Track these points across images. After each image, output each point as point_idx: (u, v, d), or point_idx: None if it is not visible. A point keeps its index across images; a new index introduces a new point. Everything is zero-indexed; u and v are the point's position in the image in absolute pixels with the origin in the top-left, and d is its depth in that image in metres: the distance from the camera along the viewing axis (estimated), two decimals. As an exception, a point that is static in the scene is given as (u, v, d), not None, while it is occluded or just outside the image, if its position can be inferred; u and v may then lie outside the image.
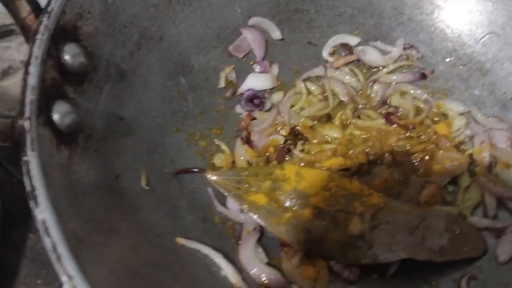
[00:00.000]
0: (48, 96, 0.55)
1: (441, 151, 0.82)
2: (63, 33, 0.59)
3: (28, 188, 0.47)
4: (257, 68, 0.90)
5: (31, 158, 0.49)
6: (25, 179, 0.48)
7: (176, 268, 0.62)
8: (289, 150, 0.82)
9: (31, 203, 0.46)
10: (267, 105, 0.88)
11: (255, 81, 0.88)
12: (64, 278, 0.42)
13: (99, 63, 0.66)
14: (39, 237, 0.98)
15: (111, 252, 0.52)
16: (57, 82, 0.58)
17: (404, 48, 0.92)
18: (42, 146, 0.51)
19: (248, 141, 0.83)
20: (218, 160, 0.80)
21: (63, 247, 0.44)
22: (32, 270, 0.95)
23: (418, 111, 0.87)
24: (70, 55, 0.60)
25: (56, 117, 0.55)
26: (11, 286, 0.92)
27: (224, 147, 0.82)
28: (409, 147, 0.83)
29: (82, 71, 0.62)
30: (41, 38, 0.56)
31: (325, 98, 0.89)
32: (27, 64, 0.54)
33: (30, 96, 0.52)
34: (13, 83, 1.03)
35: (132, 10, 0.72)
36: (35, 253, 0.96)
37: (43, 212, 0.46)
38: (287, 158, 0.82)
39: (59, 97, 0.57)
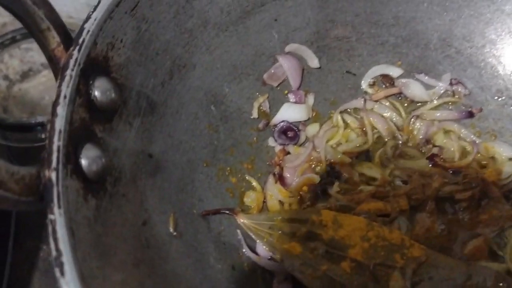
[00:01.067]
0: (76, 139, 0.49)
1: (489, 199, 0.76)
2: (93, 67, 0.54)
3: (53, 252, 0.42)
4: (292, 98, 0.84)
5: (58, 217, 0.43)
6: (51, 241, 0.42)
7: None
8: (324, 190, 0.77)
9: (56, 271, 0.41)
10: (302, 138, 0.82)
11: (290, 112, 0.83)
12: None
13: (130, 95, 0.61)
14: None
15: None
16: (86, 122, 0.52)
17: (451, 84, 0.85)
18: (68, 200, 0.45)
19: (280, 178, 0.77)
20: (249, 198, 0.75)
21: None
22: (45, 282, 0.91)
23: (464, 153, 0.81)
24: (100, 90, 0.54)
25: (84, 163, 0.50)
26: (23, 300, 0.88)
27: (255, 183, 0.77)
28: (454, 194, 0.77)
29: (112, 107, 0.57)
30: (71, 74, 0.51)
31: (364, 133, 0.84)
32: (54, 104, 0.49)
33: (57, 142, 0.47)
34: (33, 86, 1.01)
35: (165, 37, 0.67)
36: (47, 265, 0.93)
37: (69, 284, 0.40)
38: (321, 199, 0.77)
39: (88, 139, 0.51)
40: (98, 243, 0.48)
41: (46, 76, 0.99)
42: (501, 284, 0.69)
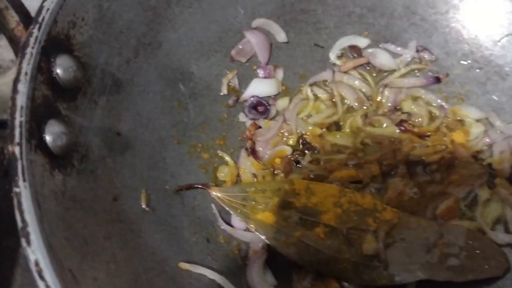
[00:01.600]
0: (39, 116, 0.50)
1: (458, 161, 0.78)
2: (55, 45, 0.54)
3: (19, 224, 0.42)
4: (261, 73, 0.85)
5: (23, 190, 0.44)
6: (16, 213, 0.43)
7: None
8: (297, 162, 0.78)
9: (23, 241, 0.42)
10: (272, 112, 0.83)
11: (259, 87, 0.83)
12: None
13: (94, 74, 0.61)
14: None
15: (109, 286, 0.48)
16: (48, 99, 0.53)
17: (417, 51, 0.86)
18: (34, 174, 0.46)
19: (253, 152, 0.78)
20: (222, 173, 0.76)
21: (58, 292, 0.39)
22: (27, 279, 0.91)
23: (432, 117, 0.82)
24: (62, 68, 0.55)
25: (48, 138, 0.50)
26: (5, 297, 0.88)
27: (228, 158, 0.77)
28: (424, 157, 0.78)
29: (75, 84, 0.57)
30: (31, 52, 0.51)
31: (334, 104, 0.85)
32: (15, 81, 0.49)
33: (19, 118, 0.47)
34: (3, 83, 0.99)
35: (128, 15, 0.67)
36: (28, 261, 0.92)
37: (35, 252, 0.41)
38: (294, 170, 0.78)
39: (51, 116, 0.52)
40: (66, 216, 0.48)
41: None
42: (470, 242, 0.70)
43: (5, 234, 0.93)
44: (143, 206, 0.64)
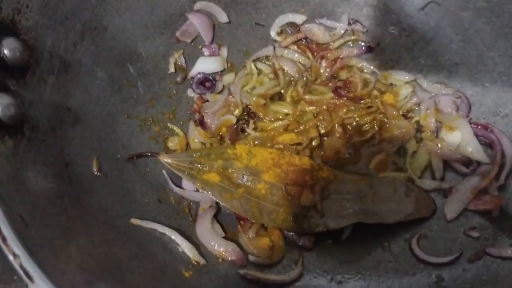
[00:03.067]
0: (-13, 89, 0.56)
1: (389, 120, 0.85)
2: (1, 29, 0.60)
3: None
4: (206, 51, 0.91)
5: (-28, 149, 0.50)
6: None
7: (132, 248, 0.64)
8: (242, 130, 0.84)
9: (-27, 191, 0.48)
10: (219, 87, 0.90)
11: (205, 65, 0.90)
12: (10, 257, 0.44)
13: (42, 55, 0.67)
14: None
15: (60, 234, 0.54)
16: (-3, 76, 0.58)
17: (349, 24, 0.94)
18: (-17, 137, 0.52)
19: (201, 123, 0.84)
20: (172, 143, 0.82)
21: (7, 229, 0.45)
22: (7, 266, 0.96)
23: (366, 83, 0.90)
24: (8, 49, 0.61)
25: (-3, 109, 0.56)
26: (-14, 283, 0.93)
27: (177, 130, 0.84)
28: (358, 118, 0.85)
29: (23, 64, 0.63)
30: (-24, 33, 0.57)
31: (276, 77, 0.91)
32: (-37, 59, 0.55)
33: (-32, 90, 0.53)
34: None
35: (72, 2, 0.73)
36: None
37: (-15, 198, 0.47)
38: (240, 138, 0.84)
39: (0, 90, 0.58)
40: (15, 174, 0.55)
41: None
42: (398, 189, 0.78)
43: None
44: (95, 172, 0.70)
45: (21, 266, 0.44)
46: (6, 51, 0.60)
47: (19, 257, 0.44)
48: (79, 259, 0.53)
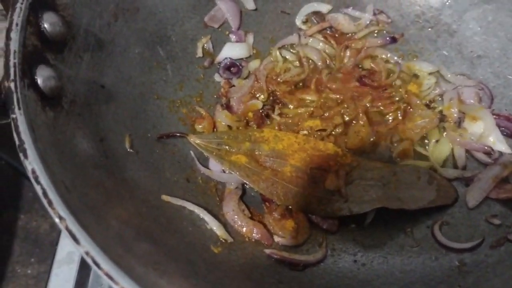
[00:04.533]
0: (30, 60, 0.57)
1: (413, 109, 0.86)
2: (41, 2, 0.61)
3: (17, 142, 0.50)
4: (233, 37, 0.93)
5: (18, 116, 0.51)
6: (14, 135, 0.51)
7: (163, 222, 0.65)
8: (268, 115, 0.86)
9: (21, 156, 0.49)
10: (245, 72, 0.91)
11: (232, 50, 0.92)
12: (56, 220, 0.45)
13: (78, 32, 0.68)
14: (30, 217, 1.01)
15: (98, 203, 0.55)
16: (38, 49, 0.60)
17: (374, 14, 0.95)
18: (27, 105, 0.53)
19: (228, 107, 0.86)
20: (200, 125, 0.83)
21: (52, 193, 0.47)
22: (25, 249, 0.99)
23: (390, 73, 0.91)
24: (49, 23, 0.62)
25: (39, 80, 0.58)
26: (5, 266, 0.95)
27: (204, 112, 0.85)
28: (382, 107, 0.87)
29: (61, 39, 0.64)
30: (20, 7, 0.58)
31: (301, 65, 0.93)
32: (8, 30, 0.57)
33: (13, 60, 0.55)
34: None
35: (107, -18, 0.74)
36: (26, 232, 1.00)
37: (32, 163, 0.48)
38: (267, 123, 0.86)
39: (41, 62, 0.59)
40: (57, 144, 0.56)
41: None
42: (421, 177, 0.79)
43: (4, 208, 1.01)
44: (127, 148, 0.71)
45: (67, 228, 0.45)
46: (46, 25, 0.62)
47: (65, 219, 0.46)
48: (117, 226, 0.54)
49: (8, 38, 0.56)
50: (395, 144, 0.84)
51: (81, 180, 0.55)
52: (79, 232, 0.45)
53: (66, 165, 0.54)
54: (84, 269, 0.80)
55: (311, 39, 0.95)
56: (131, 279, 0.43)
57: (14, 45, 0.56)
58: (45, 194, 0.47)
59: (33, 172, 0.48)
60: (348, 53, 0.94)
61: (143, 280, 0.44)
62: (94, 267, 0.44)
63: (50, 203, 0.46)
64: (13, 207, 1.02)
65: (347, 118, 0.86)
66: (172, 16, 0.86)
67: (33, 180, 0.48)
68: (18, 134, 0.50)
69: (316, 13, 0.96)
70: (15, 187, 1.05)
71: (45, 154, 0.51)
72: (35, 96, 0.56)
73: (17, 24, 0.57)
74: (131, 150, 0.72)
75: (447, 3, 0.92)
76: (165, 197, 0.70)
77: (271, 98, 0.88)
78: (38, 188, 0.48)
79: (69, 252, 0.82)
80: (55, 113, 0.59)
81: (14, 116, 0.51)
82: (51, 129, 0.56)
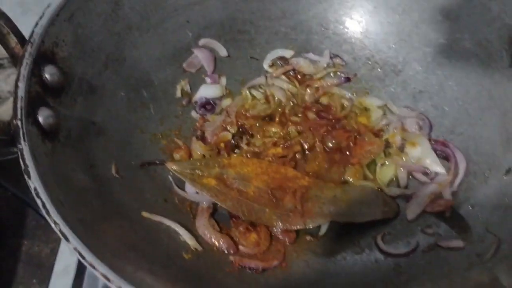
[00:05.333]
0: (33, 103, 0.72)
1: (363, 137, 1.00)
2: (43, 58, 0.76)
3: (23, 167, 0.64)
4: (208, 80, 1.08)
5: (24, 146, 0.66)
6: (21, 161, 0.65)
7: (143, 234, 0.78)
8: (237, 145, 1.00)
9: (26, 177, 0.63)
10: (218, 109, 1.06)
11: (207, 91, 1.06)
12: (52, 225, 0.59)
13: (73, 80, 0.83)
14: (33, 242, 1.13)
15: (87, 215, 0.69)
16: (40, 94, 0.74)
17: (331, 58, 1.10)
18: (31, 138, 0.68)
19: (202, 139, 1.00)
20: (177, 155, 0.97)
21: (49, 205, 0.60)
22: (28, 271, 1.09)
23: (344, 107, 1.05)
24: (49, 74, 0.76)
25: (40, 119, 0.72)
26: (10, 286, 1.06)
27: (181, 143, 0.99)
28: (336, 137, 1.01)
29: (59, 86, 0.79)
30: (26, 62, 0.73)
31: (268, 101, 1.07)
32: (16, 80, 0.71)
33: (20, 103, 0.69)
34: (3, 111, 1.18)
35: (98, 38, 0.89)
36: (29, 256, 1.11)
37: (34, 182, 0.62)
38: (236, 152, 0.99)
39: (42, 104, 0.74)
40: (54, 169, 0.70)
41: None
42: (368, 195, 0.92)
43: (9, 234, 1.13)
44: (114, 174, 0.85)
45: (60, 231, 0.59)
46: (47, 75, 0.76)
47: (59, 224, 0.59)
48: (102, 236, 0.67)
49: (16, 86, 0.71)
50: (348, 167, 0.98)
51: (73, 199, 0.69)
52: (69, 234, 0.59)
53: (61, 186, 0.68)
54: (78, 278, 0.92)
55: (277, 80, 1.09)
56: (109, 268, 0.56)
57: (21, 92, 0.70)
58: (44, 206, 0.61)
59: (35, 189, 0.62)
60: (308, 91, 1.08)
61: (119, 269, 0.58)
62: (80, 259, 0.57)
63: (48, 212, 0.60)
64: (17, 234, 1.12)
65: (306, 146, 0.99)
66: (154, 65, 1.01)
67: (35, 196, 0.62)
68: (24, 160, 0.64)
69: (281, 58, 1.11)
70: (20, 216, 1.15)
71: (45, 176, 0.65)
72: (36, 131, 0.71)
73: (23, 76, 0.72)
74: (116, 176, 0.85)
75: (393, 47, 1.06)
76: (145, 214, 0.83)
77: (240, 130, 1.02)
78: (39, 202, 0.61)
79: (66, 265, 0.94)
80: (53, 144, 0.73)
81: (20, 146, 0.66)
82: (49, 157, 0.71)
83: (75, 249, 0.57)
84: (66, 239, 0.58)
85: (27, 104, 0.70)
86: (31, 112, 0.71)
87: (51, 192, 0.63)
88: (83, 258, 0.57)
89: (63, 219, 0.60)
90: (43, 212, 0.60)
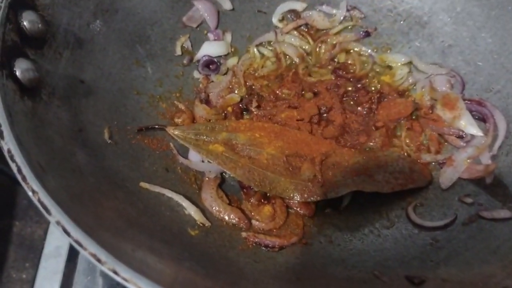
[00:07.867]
0: (9, 53, 0.61)
1: (386, 98, 0.89)
2: (20, 2, 0.65)
3: (-6, 125, 0.53)
4: (211, 36, 0.96)
5: (-4, 101, 0.54)
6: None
7: (140, 206, 0.68)
8: (246, 109, 0.89)
9: (-1, 138, 0.52)
10: (223, 69, 0.94)
11: (210, 49, 0.95)
12: (30, 194, 0.48)
13: (57, 31, 0.72)
14: (25, 223, 1.04)
15: (74, 184, 0.58)
16: (17, 44, 0.64)
17: (348, 10, 0.99)
18: (6, 94, 0.57)
19: (206, 102, 0.89)
20: (179, 119, 0.86)
21: (26, 170, 0.49)
22: (20, 254, 1.01)
23: (364, 65, 0.94)
24: (28, 21, 0.65)
25: (17, 71, 0.61)
26: (1, 271, 0.97)
27: (183, 107, 0.88)
28: (357, 97, 0.90)
29: (40, 36, 0.68)
30: (0, 5, 0.62)
31: (278, 60, 0.96)
32: (-13, 25, 0.60)
33: (-9, 52, 0.58)
34: None
35: (86, -16, 0.78)
36: (21, 238, 1.02)
37: (8, 143, 0.52)
38: (245, 116, 0.88)
39: (20, 55, 0.63)
40: (34, 130, 0.59)
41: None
42: (395, 161, 0.81)
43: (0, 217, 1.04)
44: (107, 140, 0.74)
45: (39, 200, 0.48)
46: (25, 23, 0.65)
47: (37, 193, 0.48)
48: (91, 205, 0.57)
49: (-13, 32, 0.60)
50: (372, 131, 0.87)
51: (57, 163, 0.58)
52: (50, 204, 0.48)
53: (42, 148, 0.57)
54: (71, 262, 0.82)
55: (287, 36, 0.98)
56: (99, 245, 0.45)
57: (-7, 39, 0.59)
58: (19, 170, 0.50)
59: (9, 151, 0.51)
60: (323, 48, 0.97)
61: (113, 248, 0.47)
62: (65, 235, 0.46)
63: (24, 178, 0.49)
64: (8, 215, 1.04)
65: (322, 108, 0.88)
66: (150, 17, 0.90)
67: (9, 159, 0.51)
68: (-5, 117, 0.53)
69: (292, 11, 1.00)
70: (10, 195, 1.07)
71: (21, 136, 0.54)
72: (13, 85, 0.60)
73: (-4, 21, 0.61)
74: (110, 141, 0.74)
75: (417, -4, 0.95)
76: (143, 184, 0.72)
77: (249, 93, 0.91)
78: (13, 166, 0.51)
79: (57, 247, 0.84)
80: (34, 103, 0.62)
81: (-9, 102, 0.54)
82: (29, 116, 0.59)
83: (58, 222, 0.46)
84: (47, 210, 0.47)
85: (1, 54, 0.59)
86: (6, 63, 0.60)
87: (28, 155, 0.52)
88: (68, 234, 0.46)
89: (43, 187, 0.49)
90: (19, 178, 0.49)
